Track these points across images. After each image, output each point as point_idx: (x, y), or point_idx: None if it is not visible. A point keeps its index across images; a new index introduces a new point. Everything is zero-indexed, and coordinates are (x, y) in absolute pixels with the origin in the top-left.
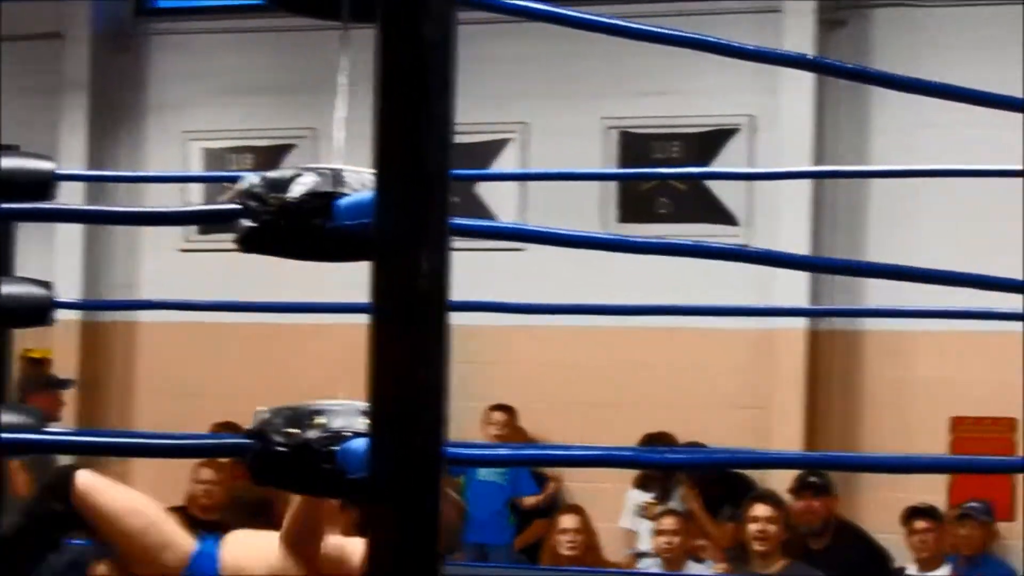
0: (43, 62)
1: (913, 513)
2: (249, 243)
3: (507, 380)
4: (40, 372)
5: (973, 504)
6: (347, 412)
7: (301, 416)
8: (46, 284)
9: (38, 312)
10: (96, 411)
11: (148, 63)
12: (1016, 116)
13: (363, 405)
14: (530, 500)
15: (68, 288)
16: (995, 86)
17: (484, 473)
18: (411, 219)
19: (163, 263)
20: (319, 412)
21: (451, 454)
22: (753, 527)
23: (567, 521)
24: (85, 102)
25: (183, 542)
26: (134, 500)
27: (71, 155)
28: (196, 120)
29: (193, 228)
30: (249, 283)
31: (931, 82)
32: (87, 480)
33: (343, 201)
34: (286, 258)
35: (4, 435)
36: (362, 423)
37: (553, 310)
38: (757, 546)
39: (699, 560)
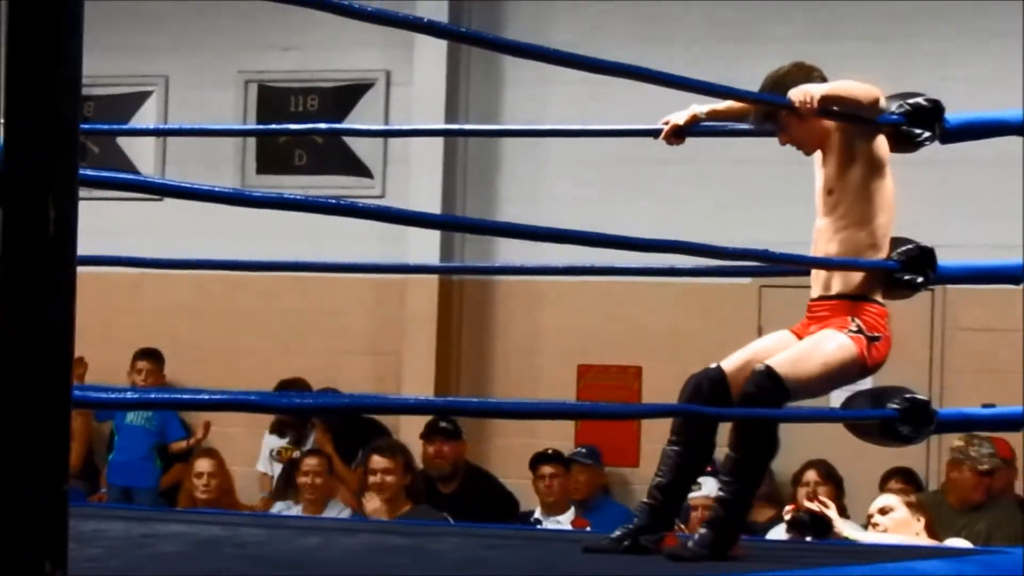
0: None
1: (539, 459)
2: None
3: (152, 328)
4: None
5: (580, 449)
6: None
7: None
8: None
9: None
10: None
11: None
12: (630, 86)
13: None
14: (178, 445)
15: None
16: (620, 54)
17: (131, 418)
18: (39, 168)
19: None
20: None
21: (79, 397)
22: (372, 479)
23: (201, 465)
24: None
25: None
26: None
27: None
28: None
29: None
30: None
31: (551, 49)
32: None
33: None
34: None
35: None
36: None
37: (181, 265)
38: (376, 497)
39: (332, 502)
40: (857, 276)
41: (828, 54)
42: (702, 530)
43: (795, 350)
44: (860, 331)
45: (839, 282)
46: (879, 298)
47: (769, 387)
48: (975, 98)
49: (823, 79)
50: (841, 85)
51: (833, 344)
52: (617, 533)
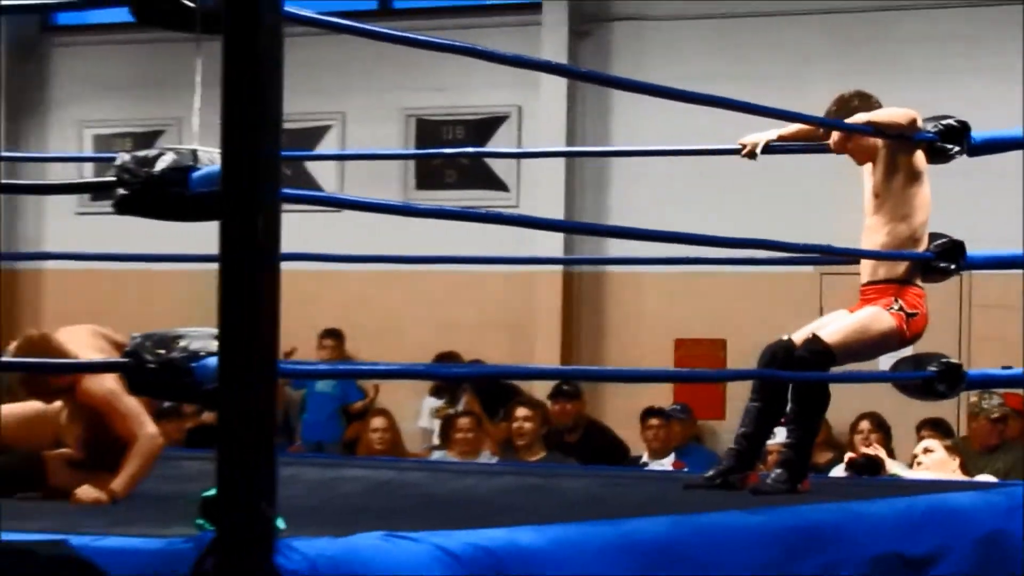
0: None
1: (647, 413)
2: (124, 207)
3: (334, 313)
4: None
5: (676, 406)
6: (202, 336)
7: (166, 340)
8: None
9: None
10: (7, 343)
11: (50, 68)
12: (713, 110)
13: (214, 331)
14: (357, 405)
15: None
16: (703, 85)
17: (320, 386)
18: (249, 189)
19: (63, 224)
20: (181, 336)
21: (283, 369)
22: (515, 426)
23: (376, 422)
24: (0, 99)
25: None
26: None
27: None
28: (88, 112)
29: (86, 196)
30: (129, 239)
31: (650, 83)
32: None
33: (196, 174)
34: (153, 219)
35: None
36: (214, 345)
37: (360, 259)
38: (519, 440)
39: (480, 452)
40: (900, 264)
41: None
42: (777, 470)
43: (842, 323)
44: (901, 309)
45: (885, 269)
46: (918, 282)
47: (817, 351)
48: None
49: (879, 105)
50: (886, 112)
51: (875, 318)
52: (710, 473)
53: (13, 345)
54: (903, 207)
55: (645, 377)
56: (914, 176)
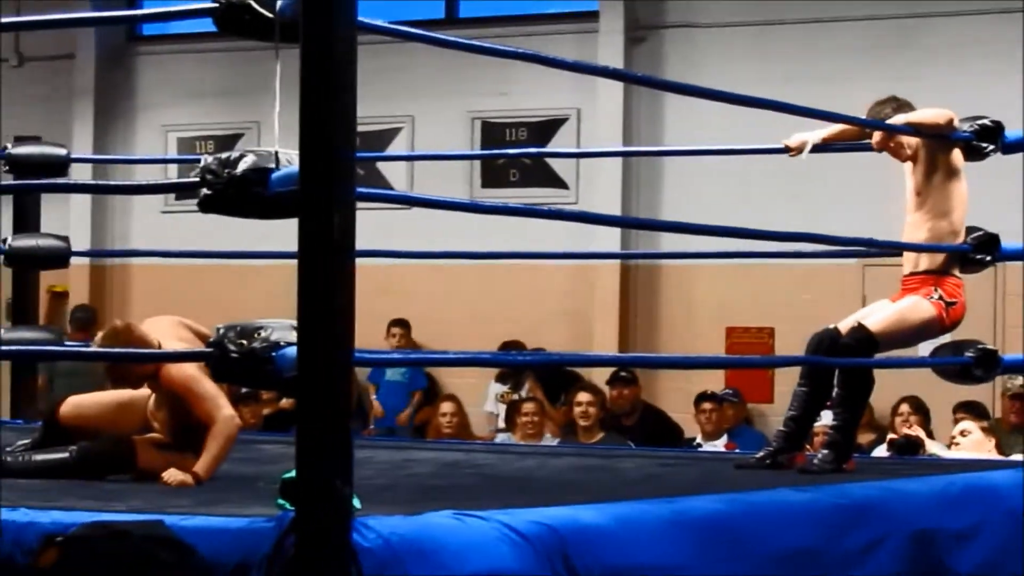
0: (59, 76)
1: (700, 397)
2: (208, 206)
3: (403, 304)
4: (62, 302)
5: (728, 391)
6: (282, 328)
7: (248, 331)
8: (63, 238)
9: (58, 258)
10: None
11: (137, 75)
12: (759, 112)
13: (294, 322)
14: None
15: (79, 240)
16: (749, 88)
17: (390, 374)
18: (326, 188)
19: (149, 222)
20: (262, 328)
21: (358, 357)
22: (577, 409)
23: (446, 407)
24: (91, 105)
25: None
26: None
27: (81, 144)
28: (172, 117)
29: (171, 196)
30: (212, 237)
31: (701, 87)
32: None
33: (276, 174)
34: (235, 217)
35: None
36: (293, 335)
37: (432, 255)
38: (581, 422)
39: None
40: (939, 256)
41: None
42: (823, 450)
43: (885, 312)
44: (940, 298)
45: (925, 261)
46: (957, 273)
47: (861, 339)
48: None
49: (912, 108)
50: (924, 112)
51: (916, 307)
52: (760, 454)
53: (99, 335)
54: (943, 203)
55: (698, 364)
56: (952, 173)
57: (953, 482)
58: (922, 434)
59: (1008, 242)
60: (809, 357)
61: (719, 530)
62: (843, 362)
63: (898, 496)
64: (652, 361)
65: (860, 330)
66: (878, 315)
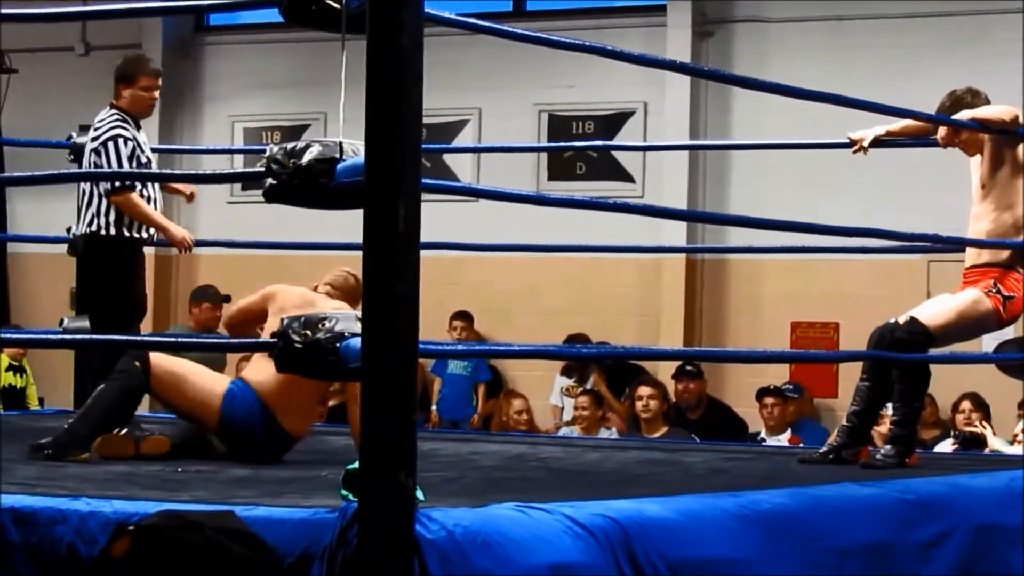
0: None
1: (763, 392)
2: (274, 196)
3: (466, 296)
4: (206, 287)
5: (788, 385)
6: (346, 319)
7: (312, 322)
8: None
9: None
10: (164, 322)
11: (204, 65)
12: (826, 107)
13: (358, 313)
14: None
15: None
16: (818, 83)
17: (453, 367)
18: (391, 179)
19: (215, 212)
20: (326, 319)
21: (422, 349)
22: (639, 404)
23: (517, 404)
24: (158, 95)
25: (217, 385)
26: (180, 363)
27: (147, 134)
28: (239, 107)
29: (237, 185)
30: (277, 227)
31: (770, 82)
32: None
33: (342, 165)
34: (301, 207)
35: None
36: (357, 327)
37: (494, 248)
38: (643, 416)
39: (607, 428)
40: (1004, 250)
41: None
42: (886, 446)
43: (942, 306)
44: (999, 292)
45: (988, 254)
46: (1019, 267)
47: (916, 332)
48: None
49: (987, 102)
50: (991, 109)
51: (971, 300)
52: (824, 448)
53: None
54: (1007, 197)
55: (763, 358)
56: (1017, 169)
57: (1015, 478)
58: (988, 431)
59: None
60: (873, 351)
61: (784, 524)
62: (904, 357)
63: (962, 492)
64: (717, 355)
65: (913, 323)
66: (934, 309)
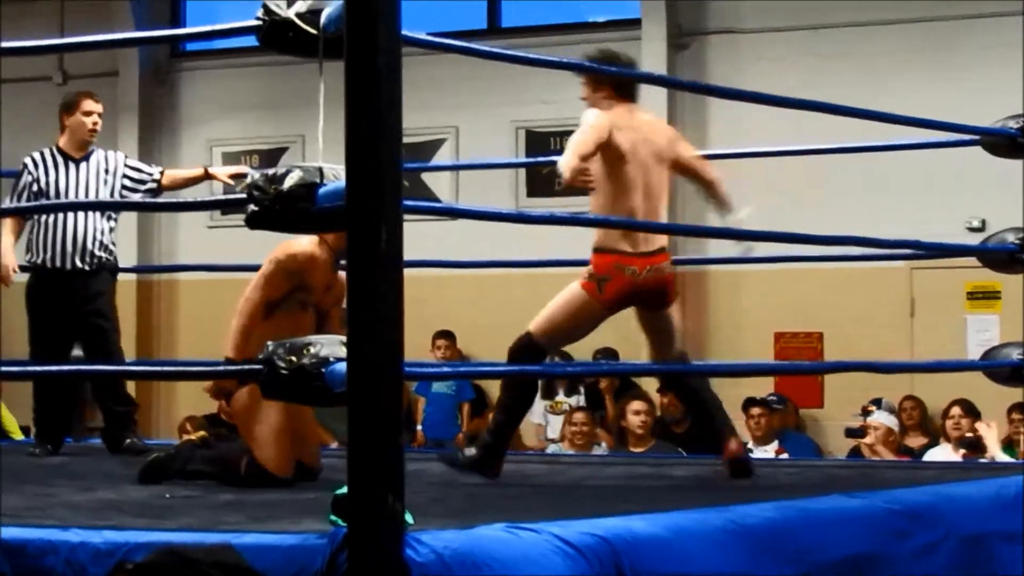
0: (104, 92)
1: (750, 402)
2: (255, 222)
3: (448, 314)
4: None
5: (772, 396)
6: (331, 343)
7: (297, 347)
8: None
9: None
10: (147, 347)
11: (180, 91)
12: (803, 117)
13: (343, 338)
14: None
15: (126, 255)
16: (792, 91)
17: (437, 386)
18: (373, 201)
19: (195, 237)
20: (310, 344)
21: (409, 371)
22: (636, 418)
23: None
24: (136, 121)
25: None
26: None
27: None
28: (217, 131)
29: (217, 211)
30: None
31: (745, 91)
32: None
33: (323, 190)
34: (282, 232)
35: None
36: (342, 351)
37: (474, 264)
38: (638, 430)
39: (597, 444)
40: (598, 235)
41: None
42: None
43: (546, 308)
44: (590, 276)
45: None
46: (612, 247)
47: (523, 342)
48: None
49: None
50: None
51: (567, 293)
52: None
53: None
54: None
55: (747, 370)
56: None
57: (1006, 485)
58: (992, 438)
59: None
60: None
61: (772, 537)
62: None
63: (950, 501)
64: (701, 368)
65: (524, 335)
66: (541, 313)
